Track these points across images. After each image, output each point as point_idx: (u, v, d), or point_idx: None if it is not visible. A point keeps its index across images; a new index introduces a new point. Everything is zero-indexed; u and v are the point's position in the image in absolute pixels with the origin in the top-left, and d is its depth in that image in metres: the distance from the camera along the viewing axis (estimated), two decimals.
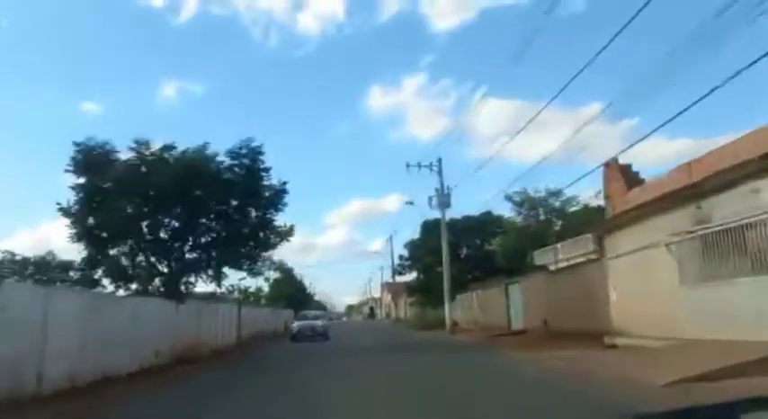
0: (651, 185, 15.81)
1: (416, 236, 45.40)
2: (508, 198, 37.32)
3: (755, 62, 10.23)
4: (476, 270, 40.94)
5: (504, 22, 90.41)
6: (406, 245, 46.23)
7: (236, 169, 20.42)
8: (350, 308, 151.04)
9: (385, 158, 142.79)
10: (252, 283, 71.07)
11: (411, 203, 34.82)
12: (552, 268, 23.74)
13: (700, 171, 13.23)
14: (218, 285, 22.14)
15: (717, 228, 12.43)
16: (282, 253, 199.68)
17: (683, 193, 13.35)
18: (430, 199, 31.97)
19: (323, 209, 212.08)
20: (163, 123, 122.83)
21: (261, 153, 20.44)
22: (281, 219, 22.05)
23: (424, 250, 43.85)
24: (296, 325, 30.82)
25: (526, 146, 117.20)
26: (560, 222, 36.10)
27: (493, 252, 41.68)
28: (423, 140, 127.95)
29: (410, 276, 47.75)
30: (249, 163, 20.42)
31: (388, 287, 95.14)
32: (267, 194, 21.06)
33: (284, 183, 21.20)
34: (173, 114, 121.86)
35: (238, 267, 22.34)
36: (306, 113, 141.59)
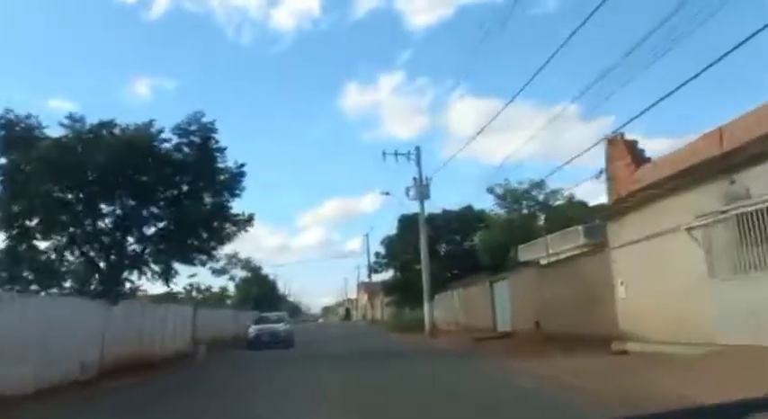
0: (665, 161, 13.53)
1: (393, 231, 42.92)
2: (490, 190, 35.20)
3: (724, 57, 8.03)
4: (456, 267, 38.63)
5: (481, 18, 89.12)
6: (382, 242, 43.76)
7: (185, 148, 17.66)
8: (326, 310, 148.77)
9: (361, 157, 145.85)
10: (216, 283, 67.73)
11: (387, 194, 32.61)
12: (544, 262, 21.47)
13: (733, 138, 10.96)
14: (167, 283, 19.31)
15: (757, 206, 10.17)
16: (255, 253, 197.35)
17: (711, 165, 11.07)
18: (407, 189, 29.54)
19: (299, 209, 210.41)
20: (135, 120, 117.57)
21: (213, 130, 17.72)
22: (238, 207, 19.35)
23: (400, 246, 41.38)
24: (253, 329, 26.21)
25: (505, 145, 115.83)
26: (544, 216, 34.09)
27: (474, 248, 39.47)
28: (400, 139, 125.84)
29: (387, 274, 45.27)
30: (200, 141, 17.67)
31: (364, 287, 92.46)
32: (222, 177, 18.34)
33: (242, 166, 18.51)
34: (145, 111, 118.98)
35: (189, 262, 19.56)
36: (280, 111, 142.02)
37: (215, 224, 18.51)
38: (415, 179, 29.10)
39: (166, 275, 19.59)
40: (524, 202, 34.99)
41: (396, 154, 30.35)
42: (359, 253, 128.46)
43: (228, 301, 57.09)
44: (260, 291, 62.02)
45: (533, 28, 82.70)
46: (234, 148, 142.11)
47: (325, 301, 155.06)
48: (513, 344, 18.65)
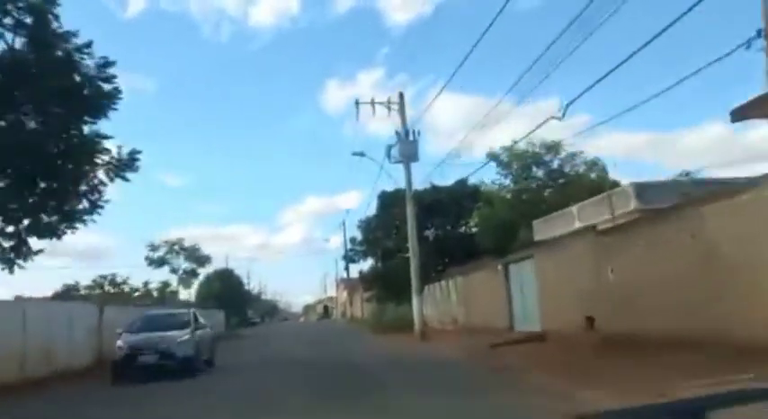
0: None
1: (372, 212, 35.94)
2: (492, 157, 28.31)
3: None
4: (448, 255, 31.77)
5: (462, 15, 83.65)
6: (359, 226, 36.64)
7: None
8: (308, 308, 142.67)
9: (341, 154, 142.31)
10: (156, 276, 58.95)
11: (362, 155, 24.98)
12: (608, 226, 14.61)
13: None
14: (10, 265, 12.10)
15: None
16: (236, 251, 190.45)
17: None
18: (388, 149, 22.62)
19: (278, 206, 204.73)
20: (114, 119, 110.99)
21: (56, 15, 10.54)
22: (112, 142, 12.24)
23: (381, 230, 34.47)
24: (125, 343, 13.88)
25: (491, 143, 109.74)
26: (561, 184, 27.40)
27: (470, 231, 32.69)
28: (380, 136, 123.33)
29: (366, 264, 38.14)
30: (35, 28, 10.48)
31: (343, 283, 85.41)
32: (84, 91, 11.17)
33: (113, 78, 11.37)
34: (123, 110, 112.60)
35: (46, 232, 12.31)
36: (259, 109, 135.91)
37: (68, 163, 11.28)
38: (398, 133, 22.17)
39: (17, 253, 12.39)
40: (536, 168, 28.19)
41: (373, 103, 23.40)
42: (338, 248, 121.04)
43: (192, 299, 49.84)
44: (223, 288, 54.69)
45: (515, 24, 76.30)
46: (212, 147, 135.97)
47: (307, 299, 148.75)
48: (558, 354, 11.83)
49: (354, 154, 24.40)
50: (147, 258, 34.78)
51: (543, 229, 22.12)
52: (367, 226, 35.77)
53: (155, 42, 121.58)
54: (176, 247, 36.60)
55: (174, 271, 37.58)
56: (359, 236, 36.64)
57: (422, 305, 22.24)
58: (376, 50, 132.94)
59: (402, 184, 23.91)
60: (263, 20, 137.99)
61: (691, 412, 1.42)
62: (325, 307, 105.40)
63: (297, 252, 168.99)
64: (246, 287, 64.34)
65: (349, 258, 37.72)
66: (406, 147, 22.03)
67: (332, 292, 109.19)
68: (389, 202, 34.18)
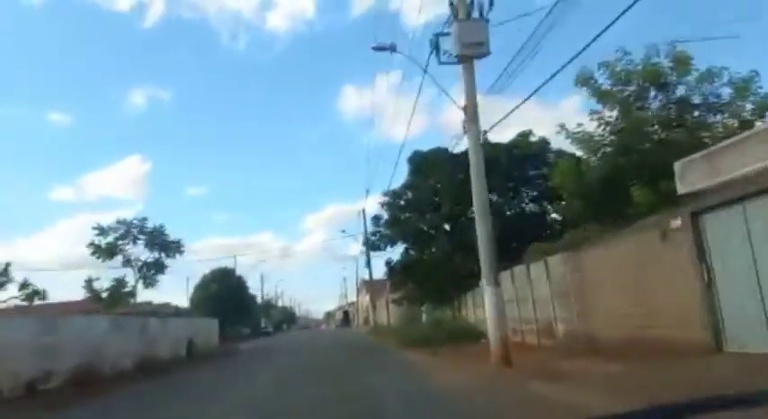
0: None
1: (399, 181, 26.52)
2: (583, 81, 18.66)
3: None
4: (514, 234, 22.35)
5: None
6: (383, 204, 27.15)
7: None
8: (328, 315, 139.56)
9: (360, 160, 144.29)
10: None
11: (390, 49, 14.82)
12: None
13: None
14: None
15: None
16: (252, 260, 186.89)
17: None
18: (435, 41, 13.13)
19: (298, 214, 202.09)
20: (133, 130, 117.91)
21: None
22: None
23: (414, 203, 25.16)
24: None
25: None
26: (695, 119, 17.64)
27: (545, 200, 23.29)
28: (398, 140, 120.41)
29: (394, 252, 28.51)
30: None
31: (365, 286, 76.07)
32: None
33: None
34: (142, 120, 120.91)
35: None
36: (278, 116, 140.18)
37: None
38: (452, 4, 12.69)
39: None
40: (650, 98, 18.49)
41: None
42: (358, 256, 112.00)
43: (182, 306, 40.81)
44: (221, 291, 45.76)
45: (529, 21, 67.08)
46: (232, 156, 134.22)
47: (328, 307, 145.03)
48: None
49: (377, 48, 14.77)
50: (91, 245, 25.82)
51: (701, 172, 12.45)
52: (394, 200, 26.38)
53: (173, 51, 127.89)
54: (134, 229, 27.10)
55: (128, 262, 28.00)
56: (384, 215, 27.25)
57: (501, 303, 12.77)
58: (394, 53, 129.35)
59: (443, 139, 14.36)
60: (279, 25, 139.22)
61: (667, 417, 1.46)
62: (345, 314, 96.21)
63: (317, 259, 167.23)
64: (249, 290, 55.05)
65: (371, 244, 28.25)
66: (468, 31, 12.61)
67: (353, 297, 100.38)
68: (424, 165, 24.86)
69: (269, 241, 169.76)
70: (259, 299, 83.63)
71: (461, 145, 24.37)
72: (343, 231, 75.15)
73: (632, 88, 17.71)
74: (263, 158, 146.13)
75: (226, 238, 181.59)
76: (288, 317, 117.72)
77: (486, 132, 12.85)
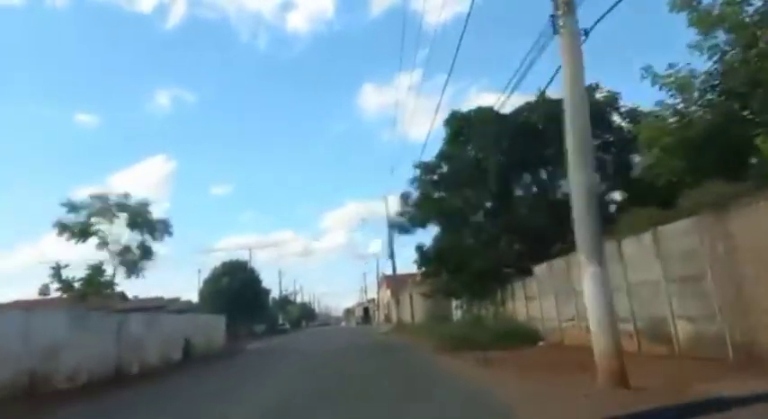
0: None
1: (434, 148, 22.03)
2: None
3: None
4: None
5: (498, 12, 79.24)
6: (412, 180, 22.68)
7: None
8: (348, 312, 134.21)
9: (380, 158, 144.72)
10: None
11: None
12: None
13: None
14: None
15: None
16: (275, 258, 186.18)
17: None
18: None
19: (320, 212, 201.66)
20: (158, 130, 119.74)
21: None
22: None
23: (450, 176, 20.76)
24: None
25: None
26: None
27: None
28: (417, 139, 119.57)
29: (424, 236, 24.00)
30: None
31: (386, 280, 71.76)
32: None
33: None
34: (167, 121, 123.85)
35: None
36: (298, 114, 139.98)
37: None
38: None
39: None
40: None
41: None
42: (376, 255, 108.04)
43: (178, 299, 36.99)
44: (232, 286, 41.84)
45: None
46: (254, 155, 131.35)
47: (348, 303, 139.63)
48: None
49: None
50: (58, 224, 21.51)
51: None
52: (426, 174, 21.92)
53: (195, 52, 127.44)
54: (112, 207, 22.55)
55: (104, 244, 23.08)
56: (414, 192, 22.75)
57: (608, 292, 8.33)
58: (412, 51, 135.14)
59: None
60: (299, 25, 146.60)
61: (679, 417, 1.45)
62: (365, 310, 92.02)
63: (338, 256, 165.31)
64: (263, 283, 50.98)
65: (398, 226, 23.65)
66: None
67: (373, 294, 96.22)
68: (465, 132, 20.41)
69: (290, 239, 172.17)
70: (276, 295, 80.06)
71: (511, 103, 19.96)
72: (364, 220, 70.34)
73: (758, 5, 13.05)
74: (285, 156, 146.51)
75: (248, 236, 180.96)
76: (306, 314, 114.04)
77: (586, 34, 8.35)
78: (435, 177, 21.84)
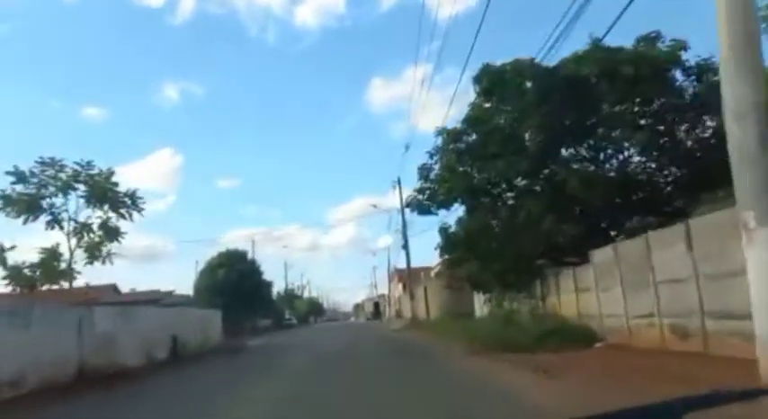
0: None
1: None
2: None
3: None
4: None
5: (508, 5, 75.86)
6: (432, 151, 19.09)
7: None
8: (357, 308, 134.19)
9: (389, 152, 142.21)
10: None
11: None
12: None
13: None
14: None
15: None
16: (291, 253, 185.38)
17: None
18: None
19: (328, 207, 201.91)
20: (165, 124, 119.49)
21: None
22: None
23: (479, 146, 17.32)
24: None
25: None
26: None
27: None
28: (428, 133, 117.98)
29: (447, 217, 20.25)
30: None
31: (398, 275, 68.46)
32: None
33: None
34: (174, 114, 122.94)
35: None
36: (307, 108, 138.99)
37: None
38: None
39: None
40: None
41: None
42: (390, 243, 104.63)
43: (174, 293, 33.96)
44: (230, 276, 38.71)
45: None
46: (262, 148, 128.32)
47: (358, 299, 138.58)
48: None
49: None
50: (1, 198, 18.16)
51: None
52: (450, 143, 18.44)
53: (203, 46, 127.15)
54: (66, 176, 18.37)
55: (56, 221, 18.67)
56: (436, 166, 19.24)
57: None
58: (423, 45, 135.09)
59: None
60: (309, 20, 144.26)
61: (667, 414, 1.47)
62: (376, 305, 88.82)
63: (346, 250, 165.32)
64: (264, 275, 47.61)
65: (417, 205, 19.75)
66: None
67: (383, 289, 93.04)
68: (498, 90, 16.96)
69: (297, 233, 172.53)
70: (281, 289, 77.03)
71: (556, 54, 16.64)
72: (375, 206, 66.10)
73: None
74: (293, 150, 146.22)
75: (254, 229, 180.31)
76: (314, 309, 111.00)
77: None
78: (462, 145, 18.46)
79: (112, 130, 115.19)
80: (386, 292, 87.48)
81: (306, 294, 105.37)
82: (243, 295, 38.26)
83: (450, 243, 18.25)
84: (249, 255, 44.62)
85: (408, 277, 38.82)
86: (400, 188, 37.85)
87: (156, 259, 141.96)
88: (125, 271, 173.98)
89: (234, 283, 37.59)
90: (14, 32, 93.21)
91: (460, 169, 18.26)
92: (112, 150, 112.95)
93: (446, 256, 20.39)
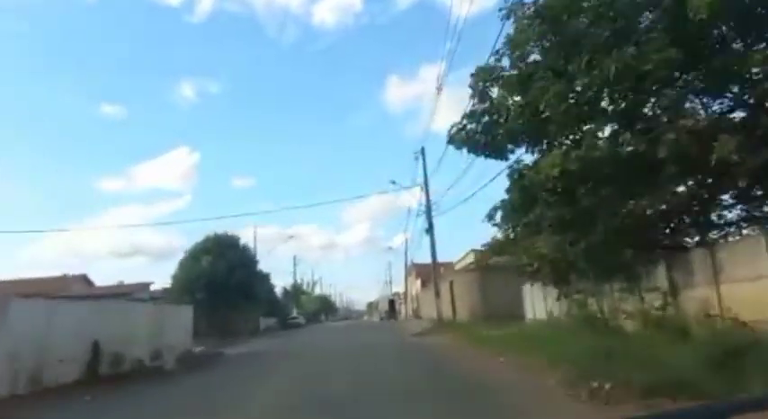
0: None
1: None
2: None
3: None
4: None
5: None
6: (480, 76, 11.95)
7: None
8: (370, 306, 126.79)
9: (404, 151, 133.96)
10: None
11: None
12: None
13: None
14: None
15: None
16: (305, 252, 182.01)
17: None
18: None
19: (343, 205, 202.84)
20: (182, 122, 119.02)
21: None
22: None
23: (555, 60, 10.28)
24: None
25: None
26: None
27: None
28: (442, 131, 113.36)
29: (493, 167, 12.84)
30: None
31: (415, 270, 61.52)
32: None
33: None
34: (192, 112, 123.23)
35: None
36: (323, 107, 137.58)
37: None
38: None
39: None
40: None
41: None
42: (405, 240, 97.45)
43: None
44: (216, 265, 32.01)
45: None
46: (278, 146, 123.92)
47: (371, 297, 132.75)
48: None
49: None
50: None
51: None
52: (512, 61, 11.24)
53: (221, 44, 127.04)
54: None
55: None
56: (494, 90, 12.01)
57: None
58: (439, 44, 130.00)
59: None
60: (326, 18, 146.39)
61: (711, 416, 1.44)
62: (391, 303, 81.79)
63: (361, 249, 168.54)
64: (259, 265, 40.52)
65: (468, 144, 12.55)
66: None
67: (398, 287, 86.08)
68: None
69: (312, 232, 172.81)
70: (287, 286, 70.67)
71: None
72: (394, 182, 57.80)
73: None
74: (309, 149, 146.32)
75: (268, 228, 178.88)
76: (325, 307, 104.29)
77: None
78: (529, 62, 11.46)
79: (130, 128, 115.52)
80: (401, 290, 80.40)
81: (317, 291, 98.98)
82: (233, 289, 31.62)
83: (527, 195, 10.97)
84: (249, 248, 38.01)
85: (434, 267, 31.74)
86: (424, 158, 31.13)
87: (173, 256, 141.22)
88: (144, 269, 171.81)
89: (222, 274, 30.86)
90: (33, 30, 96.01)
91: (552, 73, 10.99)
92: (130, 148, 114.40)
93: (508, 227, 13.19)
